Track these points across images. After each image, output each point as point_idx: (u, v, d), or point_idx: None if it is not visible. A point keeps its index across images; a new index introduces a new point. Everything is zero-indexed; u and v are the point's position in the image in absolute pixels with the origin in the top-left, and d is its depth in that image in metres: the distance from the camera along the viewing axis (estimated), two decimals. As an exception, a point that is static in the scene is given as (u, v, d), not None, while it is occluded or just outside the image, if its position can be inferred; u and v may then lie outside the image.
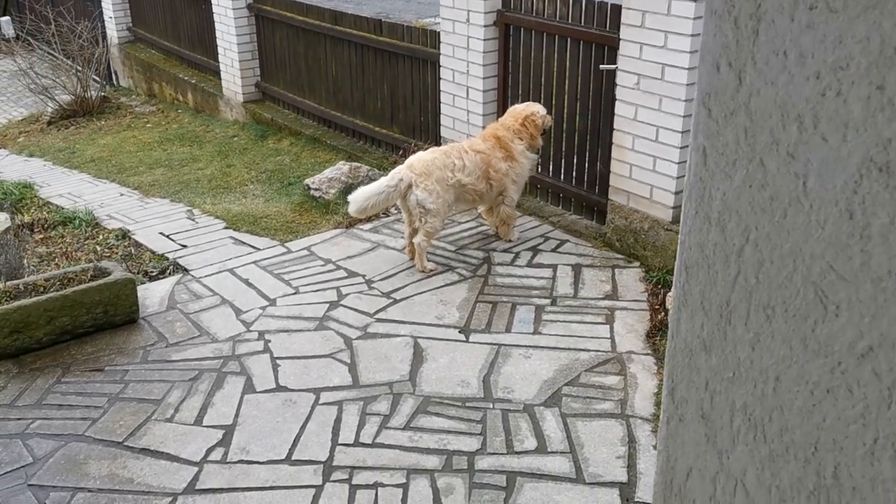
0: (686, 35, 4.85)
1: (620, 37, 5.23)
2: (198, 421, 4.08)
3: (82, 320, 4.74)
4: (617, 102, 5.39)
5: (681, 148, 5.11)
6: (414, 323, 4.91)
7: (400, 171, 5.40)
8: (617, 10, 5.32)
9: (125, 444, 3.93)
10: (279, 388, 4.33)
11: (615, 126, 5.45)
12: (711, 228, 1.07)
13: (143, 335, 4.84)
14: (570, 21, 5.71)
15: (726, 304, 1.09)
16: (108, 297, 4.80)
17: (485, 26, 6.14)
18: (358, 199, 5.39)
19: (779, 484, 1.09)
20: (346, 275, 5.50)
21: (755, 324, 1.06)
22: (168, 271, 5.69)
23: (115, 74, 12.46)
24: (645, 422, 4.03)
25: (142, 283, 5.43)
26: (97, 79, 11.23)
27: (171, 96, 10.99)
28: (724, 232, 1.06)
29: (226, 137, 9.08)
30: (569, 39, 5.74)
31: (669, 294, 4.72)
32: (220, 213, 6.70)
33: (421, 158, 5.44)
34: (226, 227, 6.41)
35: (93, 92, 10.93)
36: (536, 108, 5.67)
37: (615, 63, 5.38)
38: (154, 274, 5.66)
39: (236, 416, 4.11)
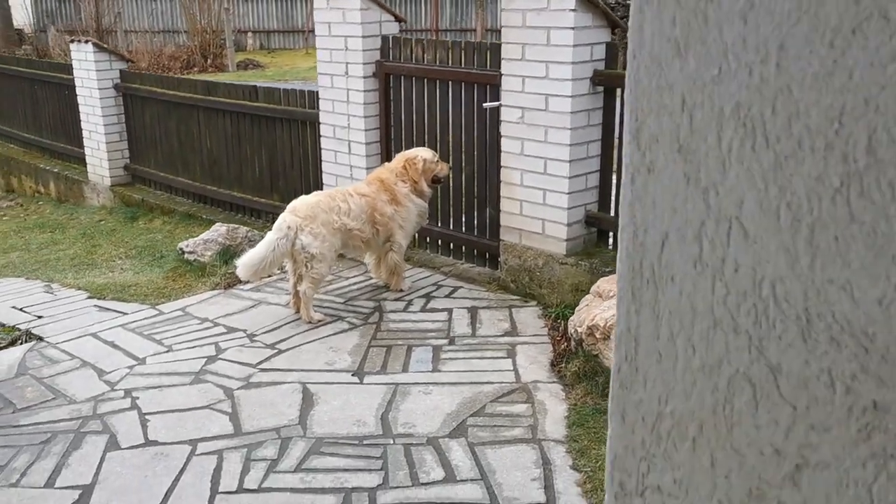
0: (567, 63, 4.85)
1: (502, 72, 5.20)
2: (49, 484, 3.47)
3: (-90, 388, 4.06)
4: (502, 139, 5.31)
5: (570, 178, 5.04)
6: (302, 370, 4.48)
7: (285, 219, 5.06)
8: (497, 48, 5.31)
9: (-44, 514, 3.28)
10: (148, 443, 3.78)
11: (502, 163, 5.35)
12: None
13: (-14, 402, 4.19)
14: (450, 64, 5.66)
15: (704, -27, 0.85)
16: (-56, 361, 4.15)
17: (364, 77, 6.01)
18: (248, 261, 4.94)
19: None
20: (225, 331, 5.03)
21: (746, -17, 0.83)
22: (20, 341, 5.05)
23: (-31, 172, 11.64)
24: (558, 444, 3.72)
25: (-13, 353, 4.77)
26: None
27: (31, 189, 10.30)
28: None
29: (91, 222, 8.49)
30: (450, 83, 5.68)
31: (571, 320, 4.52)
32: (84, 286, 6.11)
33: (304, 202, 5.13)
34: (89, 297, 5.82)
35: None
36: (420, 152, 5.51)
37: (498, 100, 5.33)
38: (3, 345, 5.01)
39: (96, 474, 3.53)
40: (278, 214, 6.98)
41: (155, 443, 3.78)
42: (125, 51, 23.69)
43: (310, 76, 20.81)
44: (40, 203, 9.83)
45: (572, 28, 4.77)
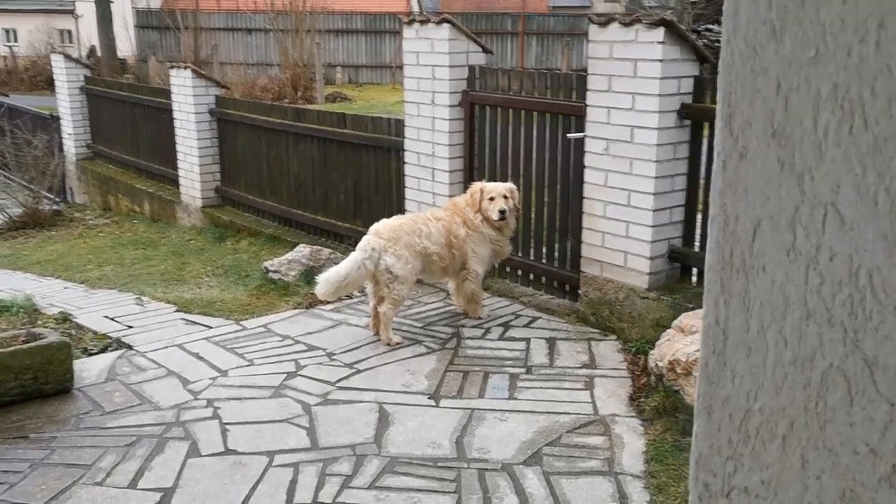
0: (654, 95, 4.82)
1: (587, 103, 5.20)
2: (132, 485, 3.58)
3: (8, 387, 4.26)
4: (586, 170, 5.29)
5: (654, 211, 4.98)
6: (379, 391, 4.51)
7: (369, 240, 5.15)
8: (582, 79, 5.32)
9: (45, 507, 3.41)
10: (228, 452, 3.86)
11: (585, 194, 5.33)
12: None
13: (77, 404, 4.36)
14: (535, 95, 5.70)
15: (803, -42, 0.85)
16: (40, 362, 4.35)
17: (450, 106, 6.11)
18: (331, 278, 5.03)
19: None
20: (305, 348, 5.12)
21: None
22: (110, 349, 5.25)
23: (71, 191, 12.26)
24: (636, 479, 3.64)
25: (79, 359, 4.97)
26: (49, 196, 10.99)
27: (126, 207, 10.77)
28: None
29: (182, 241, 8.80)
30: (535, 113, 5.71)
31: (652, 354, 4.43)
32: (172, 300, 6.33)
33: (387, 224, 5.22)
34: (177, 311, 6.02)
35: (45, 205, 10.67)
36: (484, 185, 5.41)
37: (582, 131, 5.32)
38: (95, 352, 5.21)
39: (177, 479, 3.63)
40: (360, 239, 7.14)
41: (234, 452, 3.86)
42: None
43: (395, 110, 21.19)
44: (135, 221, 10.25)
45: (660, 60, 4.75)
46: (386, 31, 27.32)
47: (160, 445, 3.92)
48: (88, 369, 4.79)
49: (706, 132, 5.02)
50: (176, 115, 9.21)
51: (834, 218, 0.86)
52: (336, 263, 6.32)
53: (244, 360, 4.93)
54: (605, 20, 5.01)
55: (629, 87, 4.94)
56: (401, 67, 24.49)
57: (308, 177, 7.87)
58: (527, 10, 26.04)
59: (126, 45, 27.95)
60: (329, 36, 26.91)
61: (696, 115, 4.94)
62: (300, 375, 4.72)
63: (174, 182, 9.72)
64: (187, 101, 8.94)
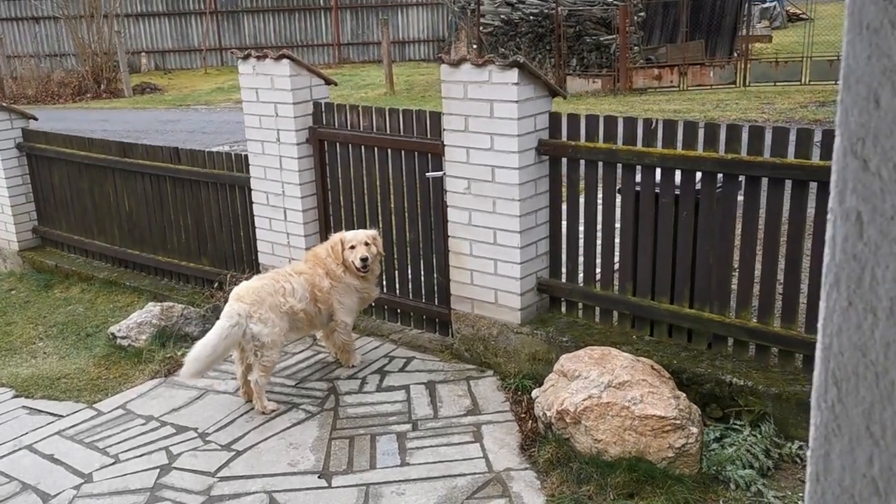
0: (512, 136, 4.80)
1: (445, 142, 5.11)
2: None
3: None
4: (449, 209, 5.22)
5: (521, 248, 4.99)
6: (265, 475, 4.28)
7: (232, 307, 4.82)
8: (437, 116, 5.22)
9: None
10: (113, 587, 3.53)
11: (450, 233, 5.27)
12: (879, 323, 0.78)
13: (-80, 549, 3.84)
14: (388, 132, 5.53)
15: (911, 426, 0.79)
16: None
17: (297, 144, 5.82)
18: (200, 355, 4.68)
19: None
20: (174, 431, 4.77)
21: (963, 446, 0.77)
22: (-55, 460, 4.65)
23: None
24: (545, 546, 3.67)
25: (-89, 481, 4.38)
26: None
27: (-74, 253, 9.59)
28: (902, 325, 0.77)
29: (1, 292, 7.95)
30: (389, 150, 5.55)
31: (538, 401, 4.47)
32: (6, 380, 5.70)
33: (249, 287, 4.92)
34: (15, 396, 5.43)
35: None
36: (343, 235, 5.26)
37: (441, 170, 5.24)
38: (-73, 466, 4.61)
39: None
40: (208, 279, 6.75)
41: (119, 585, 3.54)
42: (9, 78, 22.52)
43: (213, 100, 20.17)
44: (-61, 269, 9.15)
45: (516, 101, 4.73)
46: (191, 12, 25.79)
47: (32, 590, 3.52)
48: (-75, 497, 4.23)
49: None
50: (-24, 151, 8.25)
51: None
52: (190, 320, 5.96)
53: (108, 457, 4.52)
54: (457, 61, 4.91)
55: (487, 128, 4.89)
56: (211, 50, 23.06)
57: (143, 215, 7.30)
58: (338, -16, 25.40)
59: None
60: (129, 21, 25.11)
61: (553, 152, 4.97)
62: (175, 468, 4.39)
63: (-19, 222, 8.74)
64: (-12, 135, 8.02)
